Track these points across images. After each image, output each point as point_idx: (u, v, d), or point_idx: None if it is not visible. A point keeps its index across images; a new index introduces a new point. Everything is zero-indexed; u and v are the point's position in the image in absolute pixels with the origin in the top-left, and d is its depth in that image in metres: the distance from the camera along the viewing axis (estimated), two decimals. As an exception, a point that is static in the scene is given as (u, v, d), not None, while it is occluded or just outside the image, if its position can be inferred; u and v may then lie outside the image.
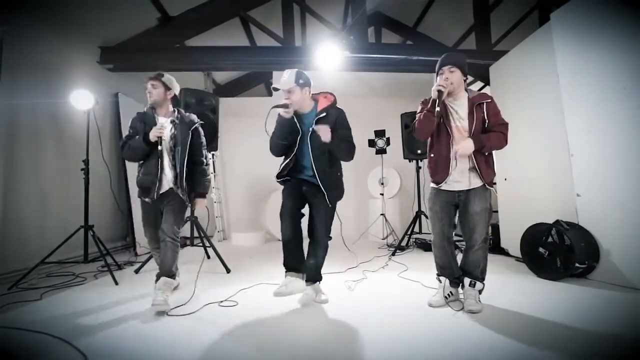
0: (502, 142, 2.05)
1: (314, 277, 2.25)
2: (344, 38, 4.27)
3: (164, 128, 2.26)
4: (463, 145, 1.98)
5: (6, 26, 2.97)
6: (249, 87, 7.40)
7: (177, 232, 2.29)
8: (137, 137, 2.28)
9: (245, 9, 4.58)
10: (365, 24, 4.40)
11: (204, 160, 2.51)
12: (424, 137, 2.16)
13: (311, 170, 2.14)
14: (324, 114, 2.13)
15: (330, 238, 2.26)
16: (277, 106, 2.07)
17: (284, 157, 2.27)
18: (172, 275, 2.26)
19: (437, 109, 1.95)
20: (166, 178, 2.31)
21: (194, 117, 2.49)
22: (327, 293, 2.41)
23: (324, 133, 2.03)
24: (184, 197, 2.35)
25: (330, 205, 2.19)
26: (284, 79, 2.14)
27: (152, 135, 2.23)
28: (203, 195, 2.50)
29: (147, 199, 2.31)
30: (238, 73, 6.85)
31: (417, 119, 2.13)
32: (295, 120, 2.14)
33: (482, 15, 4.54)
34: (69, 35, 3.66)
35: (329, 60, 4.05)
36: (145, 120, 2.32)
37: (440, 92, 1.98)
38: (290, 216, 2.16)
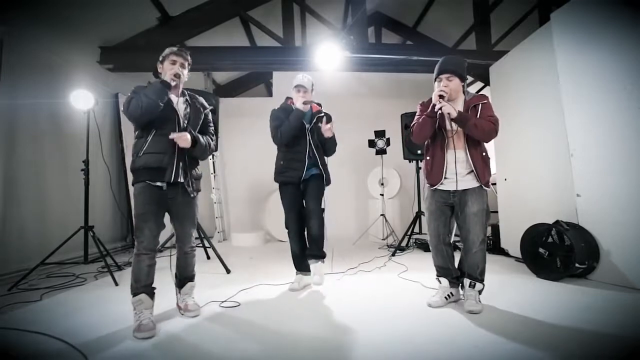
0: (491, 129, 1.99)
1: (316, 253, 2.47)
2: (344, 38, 4.27)
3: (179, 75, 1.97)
4: (447, 106, 1.97)
5: (6, 26, 2.97)
6: (249, 87, 7.41)
7: (194, 239, 2.14)
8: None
9: (245, 9, 4.58)
10: (365, 24, 4.40)
11: (213, 139, 2.20)
12: (422, 141, 2.19)
13: (311, 159, 2.51)
14: (322, 114, 2.59)
15: (323, 210, 2.53)
16: (306, 102, 2.50)
17: (286, 152, 2.55)
18: (194, 277, 2.16)
19: (438, 111, 1.97)
20: (183, 162, 1.97)
21: (204, 101, 2.19)
22: (328, 294, 2.43)
23: (328, 129, 2.50)
24: (190, 189, 2.01)
25: (325, 184, 2.58)
26: (308, 80, 2.54)
27: (170, 75, 1.91)
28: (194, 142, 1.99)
29: (158, 183, 1.91)
30: (238, 73, 6.85)
31: (415, 122, 2.15)
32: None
33: (482, 15, 4.55)
34: (69, 35, 3.66)
35: (329, 60, 4.05)
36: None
37: (441, 97, 1.98)
38: (298, 235, 2.57)
